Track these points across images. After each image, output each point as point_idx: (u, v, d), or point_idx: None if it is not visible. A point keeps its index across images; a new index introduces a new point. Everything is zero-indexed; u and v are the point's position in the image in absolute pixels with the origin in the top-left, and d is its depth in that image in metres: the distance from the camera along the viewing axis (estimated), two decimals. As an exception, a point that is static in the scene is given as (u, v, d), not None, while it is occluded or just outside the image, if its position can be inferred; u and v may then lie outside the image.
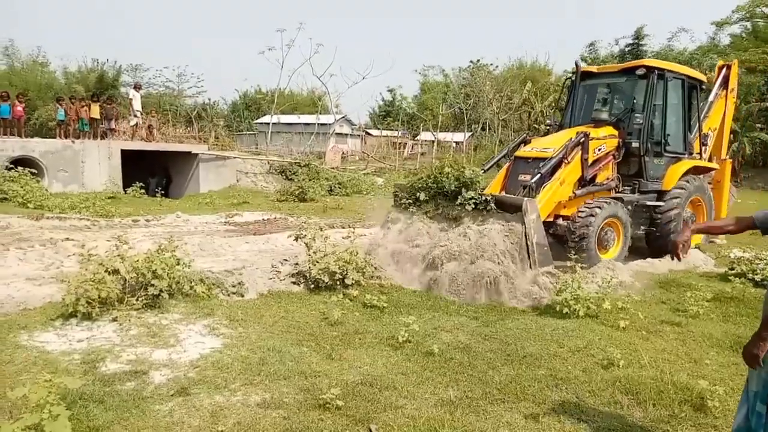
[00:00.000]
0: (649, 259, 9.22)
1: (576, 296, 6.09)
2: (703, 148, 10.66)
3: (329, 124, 35.74)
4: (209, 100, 41.03)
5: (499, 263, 6.94)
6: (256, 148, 30.55)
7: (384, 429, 3.71)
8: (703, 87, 10.70)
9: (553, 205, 8.37)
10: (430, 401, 4.13)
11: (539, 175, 8.18)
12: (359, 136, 44.53)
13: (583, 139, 8.67)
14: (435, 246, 7.50)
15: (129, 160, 19.00)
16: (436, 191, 8.00)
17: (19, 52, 37.10)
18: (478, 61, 43.95)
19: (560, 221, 8.57)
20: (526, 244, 7.19)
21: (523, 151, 9.25)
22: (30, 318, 5.62)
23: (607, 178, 9.28)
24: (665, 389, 4.28)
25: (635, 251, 9.43)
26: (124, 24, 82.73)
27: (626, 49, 37.27)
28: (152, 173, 20.84)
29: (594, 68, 10.53)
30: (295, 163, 23.65)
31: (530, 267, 7.16)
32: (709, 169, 10.75)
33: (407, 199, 8.30)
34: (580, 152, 8.68)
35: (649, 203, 9.48)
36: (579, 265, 6.96)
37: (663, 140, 9.61)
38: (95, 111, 19.50)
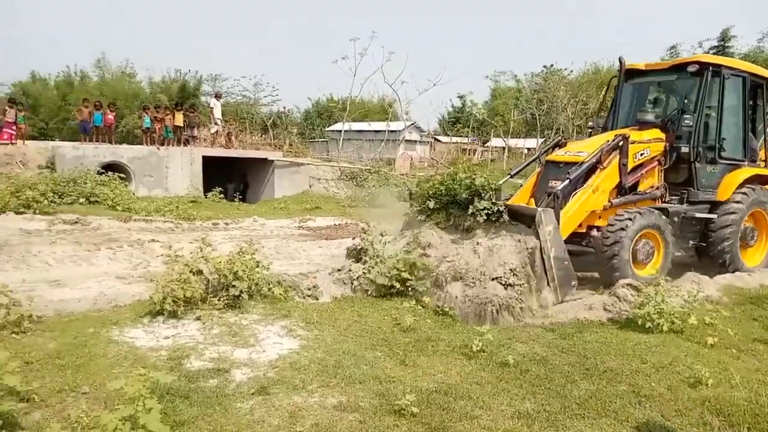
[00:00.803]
0: (737, 273, 8.60)
1: (660, 310, 5.82)
2: None
3: (399, 131, 35.95)
4: (284, 108, 42.22)
5: (508, 286, 6.38)
6: (328, 154, 31.13)
7: (460, 438, 3.68)
8: None
9: (584, 214, 7.63)
10: (506, 413, 4.06)
11: (567, 180, 7.47)
12: (428, 142, 44.51)
13: (621, 142, 7.93)
14: (442, 261, 6.98)
15: (209, 166, 19.81)
16: (448, 199, 7.40)
17: (109, 64, 39.70)
18: (552, 65, 43.06)
19: (594, 232, 7.82)
20: (542, 259, 6.64)
21: (555, 155, 8.54)
22: (120, 314, 5.95)
23: (652, 186, 8.43)
24: (761, 413, 4.02)
25: (684, 265, 8.57)
26: (205, 35, 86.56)
27: (710, 52, 35.48)
28: (230, 179, 21.64)
29: (642, 65, 9.41)
30: (366, 169, 23.94)
31: (548, 285, 6.65)
32: None
33: (418, 208, 7.81)
34: (618, 157, 7.91)
35: (699, 215, 8.45)
36: (662, 277, 6.65)
37: (718, 145, 8.64)
38: (179, 119, 20.48)
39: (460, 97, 53.01)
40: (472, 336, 5.40)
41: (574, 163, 7.76)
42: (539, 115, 38.00)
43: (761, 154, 9.44)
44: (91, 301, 6.43)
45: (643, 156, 8.19)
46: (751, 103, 9.05)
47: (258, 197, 21.39)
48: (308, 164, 23.10)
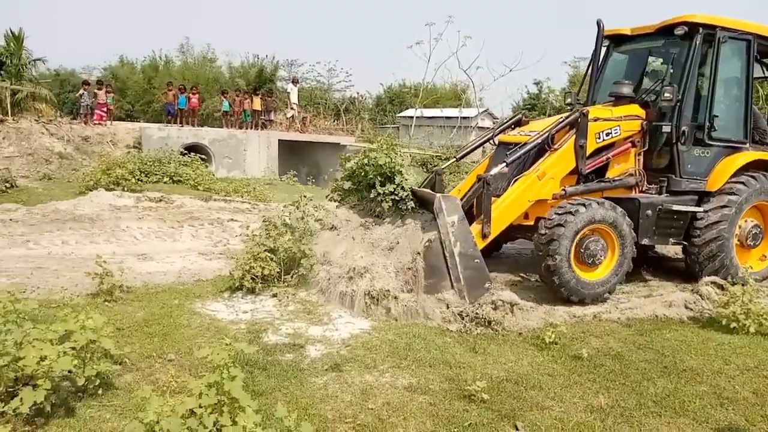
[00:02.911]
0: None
1: (747, 310, 5.53)
2: None
3: (471, 117, 35.53)
4: (357, 93, 42.61)
5: (405, 283, 5.73)
6: (399, 140, 31.23)
7: (531, 428, 3.66)
8: None
9: (525, 204, 6.56)
10: (578, 406, 4.00)
11: (503, 164, 6.49)
12: (502, 130, 43.70)
13: (579, 119, 6.75)
14: (346, 253, 6.31)
15: (284, 150, 20.32)
16: (360, 181, 6.68)
17: (192, 48, 41.18)
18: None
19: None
20: (444, 255, 5.88)
21: (509, 136, 7.42)
22: (203, 288, 6.27)
23: (624, 172, 7.18)
24: None
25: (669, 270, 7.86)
26: (282, 20, 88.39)
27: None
28: (304, 162, 22.12)
29: (628, 30, 7.84)
30: (436, 156, 23.85)
31: (451, 285, 5.82)
32: None
33: (335, 190, 7.00)
34: (574, 137, 6.76)
35: (678, 208, 6.97)
36: (750, 274, 6.17)
37: (708, 123, 7.05)
38: (257, 103, 21.10)
39: (537, 84, 51.68)
40: (545, 327, 5.34)
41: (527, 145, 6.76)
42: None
43: None
44: (176, 274, 6.80)
45: (609, 136, 6.96)
46: (752, 72, 7.38)
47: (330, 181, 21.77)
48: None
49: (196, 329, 5.06)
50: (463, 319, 5.45)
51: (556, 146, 6.74)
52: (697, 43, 6.90)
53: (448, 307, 5.62)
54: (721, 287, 6.38)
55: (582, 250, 6.26)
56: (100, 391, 3.71)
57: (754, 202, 7.24)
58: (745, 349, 5.13)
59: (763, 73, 8.02)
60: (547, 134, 6.74)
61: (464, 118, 34.25)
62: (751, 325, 5.44)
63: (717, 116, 7.10)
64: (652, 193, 7.13)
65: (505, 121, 8.11)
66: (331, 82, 42.57)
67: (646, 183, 7.20)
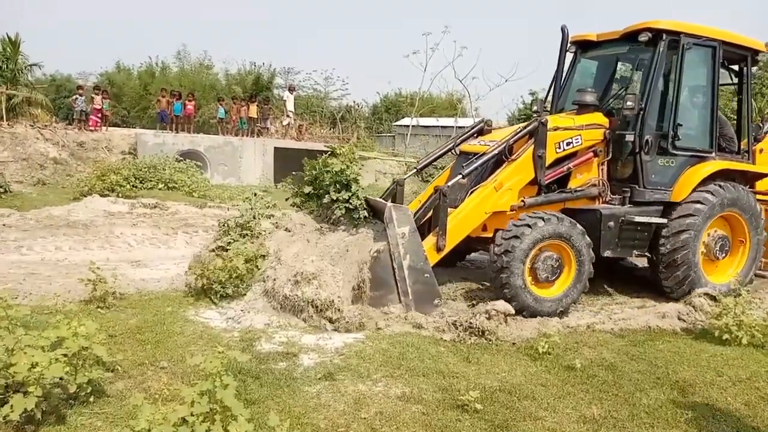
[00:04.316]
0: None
1: (739, 322, 5.55)
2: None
3: (467, 127, 35.60)
4: (353, 102, 42.73)
5: (352, 293, 5.62)
6: (394, 149, 31.28)
7: (523, 438, 3.66)
8: (758, 58, 7.67)
9: (482, 216, 6.42)
10: (571, 416, 4.00)
11: (459, 176, 6.41)
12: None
13: (538, 128, 6.60)
14: (298, 254, 6.11)
15: (279, 157, 20.32)
16: (320, 187, 6.54)
17: (189, 55, 41.25)
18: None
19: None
20: (392, 267, 5.75)
21: (469, 145, 7.24)
22: (196, 296, 6.24)
23: (586, 183, 7.00)
24: None
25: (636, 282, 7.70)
26: (279, 28, 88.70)
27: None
28: (299, 170, 22.12)
29: (593, 35, 7.70)
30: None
31: (399, 299, 5.72)
32: (762, 176, 7.78)
33: (295, 194, 6.84)
34: (533, 147, 6.61)
35: (643, 219, 6.80)
36: (743, 288, 6.23)
37: (672, 132, 6.88)
38: (253, 111, 21.15)
39: (532, 94, 51.92)
40: (538, 338, 5.35)
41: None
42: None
43: (744, 144, 7.72)
44: (169, 281, 6.78)
45: (570, 146, 6.79)
46: (718, 79, 7.22)
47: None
48: (375, 158, 23.30)
49: (189, 337, 5.04)
50: (456, 328, 5.45)
51: (514, 156, 6.62)
52: (661, 49, 6.77)
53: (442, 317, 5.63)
54: (714, 299, 6.40)
55: (536, 266, 6.12)
56: (91, 399, 3.69)
57: (721, 213, 7.06)
58: (737, 360, 5.15)
59: (731, 79, 7.85)
60: (504, 144, 6.62)
61: (460, 127, 34.29)
62: (743, 337, 5.46)
63: (681, 125, 6.95)
64: (615, 204, 6.97)
65: (468, 129, 7.88)
66: (328, 90, 42.65)
67: (609, 194, 7.04)
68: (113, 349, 4.47)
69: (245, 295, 5.98)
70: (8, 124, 17.07)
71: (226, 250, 6.36)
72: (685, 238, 6.76)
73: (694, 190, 6.94)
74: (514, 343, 5.34)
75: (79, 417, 3.52)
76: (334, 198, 6.23)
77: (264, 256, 6.20)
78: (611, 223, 6.69)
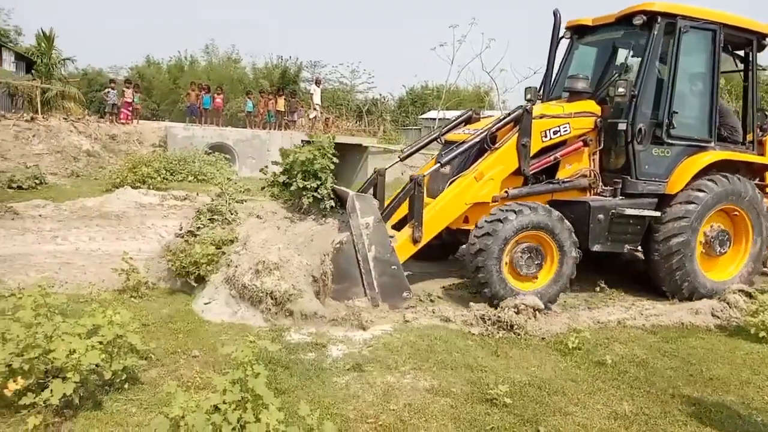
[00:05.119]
0: None
1: (776, 320, 5.42)
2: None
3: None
4: (380, 95, 42.71)
5: (315, 285, 5.39)
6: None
7: (553, 433, 3.63)
8: (765, 43, 7.13)
9: (463, 207, 6.25)
10: (602, 412, 3.95)
11: (438, 165, 6.27)
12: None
13: (522, 115, 6.37)
14: (266, 240, 5.85)
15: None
16: (293, 176, 6.29)
17: (217, 49, 41.71)
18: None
19: None
20: (357, 259, 5.56)
21: (454, 134, 7.02)
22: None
23: (575, 174, 6.75)
24: None
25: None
26: (306, 21, 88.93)
27: None
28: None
29: (589, 20, 7.39)
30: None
31: (364, 293, 5.57)
32: (765, 168, 7.32)
33: (272, 184, 6.60)
34: (517, 135, 6.37)
35: (634, 212, 6.49)
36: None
37: (667, 120, 6.54)
38: (280, 104, 21.29)
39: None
40: (568, 333, 5.30)
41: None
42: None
43: (749, 134, 7.30)
44: (200, 272, 6.85)
45: (558, 135, 6.55)
46: (718, 64, 6.78)
47: (351, 181, 21.81)
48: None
49: (219, 326, 5.11)
50: (485, 322, 5.42)
51: (497, 145, 6.40)
52: (656, 33, 6.45)
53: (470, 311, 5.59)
54: (750, 295, 6.26)
55: (515, 259, 5.94)
56: (126, 386, 3.77)
57: (720, 206, 6.69)
58: (774, 359, 5.03)
59: (736, 66, 7.46)
60: (485, 132, 6.42)
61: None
62: (780, 335, 5.33)
63: (677, 113, 6.59)
64: (606, 196, 6.69)
65: (455, 118, 7.64)
66: (354, 83, 42.80)
67: (601, 185, 6.77)
68: (146, 337, 4.55)
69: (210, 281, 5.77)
70: (43, 117, 17.46)
71: (196, 236, 6.26)
72: (680, 233, 6.45)
73: (690, 182, 6.60)
74: (543, 338, 5.29)
75: (114, 403, 3.61)
76: (301, 186, 6.06)
77: (232, 240, 6.06)
78: (601, 216, 6.42)
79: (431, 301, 6.19)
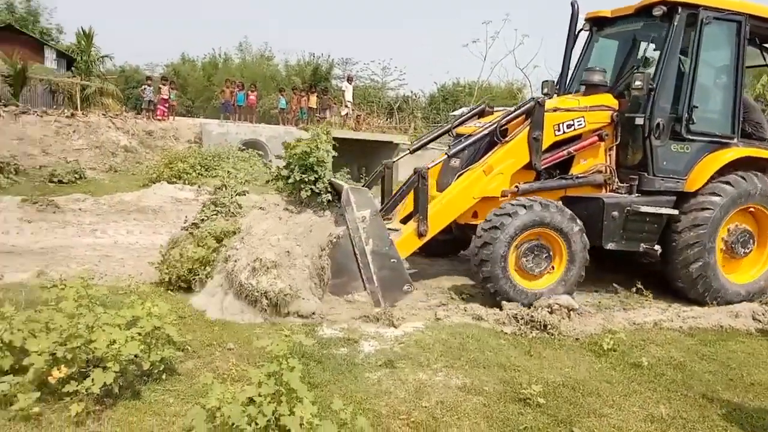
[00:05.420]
0: None
1: (821, 325, 5.25)
2: None
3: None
4: (411, 92, 42.62)
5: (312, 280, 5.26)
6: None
7: (588, 434, 3.59)
8: None
9: (470, 201, 6.12)
10: (638, 415, 3.89)
11: (446, 156, 6.21)
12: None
13: (534, 108, 6.22)
14: (267, 231, 5.69)
15: (337, 147, 20.52)
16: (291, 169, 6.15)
17: (251, 47, 42.18)
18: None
19: None
20: (354, 252, 5.50)
21: (465, 127, 6.87)
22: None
23: (589, 169, 6.56)
24: None
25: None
26: (337, 18, 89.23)
27: None
28: (356, 160, 22.29)
29: (608, 12, 7.18)
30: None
31: (364, 287, 5.51)
32: None
33: (277, 177, 6.44)
34: (528, 128, 6.23)
35: (650, 210, 6.26)
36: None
37: (687, 114, 6.29)
38: (313, 101, 21.45)
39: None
40: (603, 334, 5.22)
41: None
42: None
43: None
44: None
45: (571, 128, 6.38)
46: (743, 56, 6.50)
47: (382, 179, 21.87)
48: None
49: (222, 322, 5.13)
50: (518, 321, 5.38)
51: (507, 138, 6.24)
52: (677, 24, 6.20)
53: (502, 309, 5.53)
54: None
55: (521, 256, 5.81)
56: (163, 376, 3.85)
57: (744, 205, 6.41)
58: (818, 365, 4.87)
59: (764, 60, 7.17)
60: (495, 125, 6.26)
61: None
62: (826, 340, 5.16)
63: (697, 107, 6.32)
64: (621, 193, 6.48)
65: (468, 111, 7.54)
66: (385, 80, 42.76)
67: (617, 182, 6.55)
68: (183, 329, 4.63)
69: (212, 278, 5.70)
70: (83, 113, 17.93)
71: (199, 227, 6.30)
72: (700, 233, 6.21)
73: (711, 180, 6.34)
74: (577, 339, 5.22)
75: (152, 393, 3.69)
76: (298, 179, 5.97)
77: (234, 232, 6.02)
78: (615, 213, 6.22)
79: (463, 299, 6.16)
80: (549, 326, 5.26)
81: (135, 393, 3.64)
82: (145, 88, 20.00)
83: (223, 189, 7.25)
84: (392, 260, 5.59)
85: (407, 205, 6.49)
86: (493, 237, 5.67)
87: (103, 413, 3.38)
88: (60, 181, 12.90)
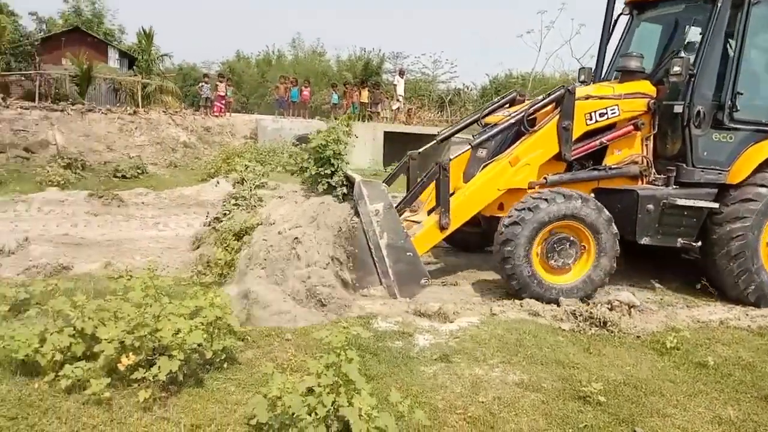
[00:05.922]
0: None
1: None
2: None
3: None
4: (462, 85, 42.16)
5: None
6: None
7: (651, 434, 3.49)
8: None
9: (495, 193, 5.94)
10: (704, 416, 3.75)
11: (468, 147, 6.03)
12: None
13: (564, 96, 5.96)
14: (284, 216, 5.64)
15: (387, 141, 20.57)
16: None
17: (303, 43, 42.69)
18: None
19: None
20: (368, 246, 5.38)
21: (494, 116, 6.63)
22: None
23: (624, 160, 6.28)
24: None
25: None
26: (388, 12, 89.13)
27: None
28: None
29: None
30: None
31: (380, 281, 5.41)
32: None
33: (301, 169, 6.29)
34: (557, 117, 5.98)
35: (688, 203, 5.93)
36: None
37: (730, 102, 5.92)
38: (364, 96, 21.51)
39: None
40: (666, 331, 5.05)
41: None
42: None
43: None
44: (290, 259, 7.07)
45: (604, 117, 6.12)
46: None
47: (434, 173, 21.78)
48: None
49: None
50: (576, 318, 5.26)
51: (535, 128, 6.02)
52: (721, 6, 5.87)
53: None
54: None
55: (547, 250, 5.62)
56: (225, 365, 3.96)
57: None
58: None
59: None
60: (522, 114, 6.04)
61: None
62: None
63: (742, 94, 5.95)
64: (658, 185, 6.17)
65: (498, 100, 7.30)
66: (436, 73, 42.43)
67: (654, 173, 6.26)
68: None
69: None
70: (144, 111, 18.60)
71: (221, 221, 6.39)
72: (743, 227, 5.86)
73: (756, 171, 6.01)
74: (638, 336, 5.07)
75: (214, 381, 3.80)
76: (314, 172, 5.94)
77: (254, 226, 6.02)
78: (650, 206, 5.92)
79: None
80: (609, 323, 5.12)
81: (198, 381, 3.76)
82: (202, 86, 20.55)
83: (242, 183, 7.36)
84: (408, 253, 5.50)
85: (434, 196, 6.37)
86: (514, 233, 5.53)
87: (168, 400, 3.50)
88: (123, 176, 13.43)
